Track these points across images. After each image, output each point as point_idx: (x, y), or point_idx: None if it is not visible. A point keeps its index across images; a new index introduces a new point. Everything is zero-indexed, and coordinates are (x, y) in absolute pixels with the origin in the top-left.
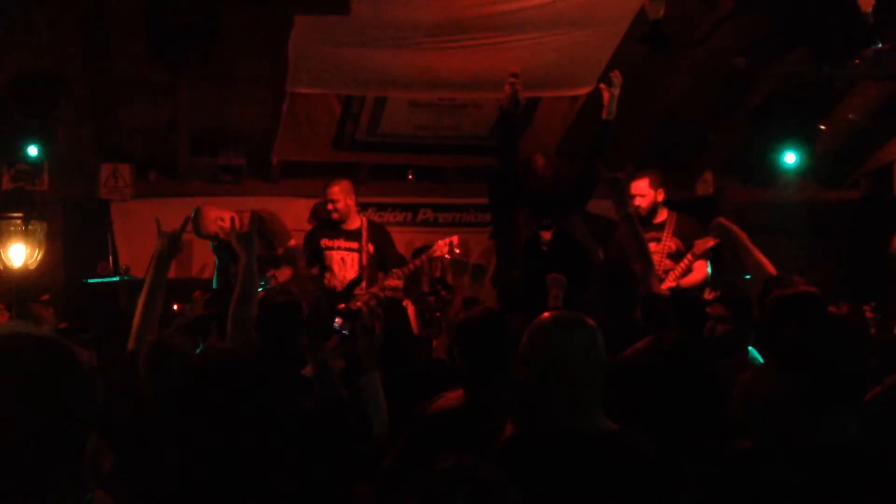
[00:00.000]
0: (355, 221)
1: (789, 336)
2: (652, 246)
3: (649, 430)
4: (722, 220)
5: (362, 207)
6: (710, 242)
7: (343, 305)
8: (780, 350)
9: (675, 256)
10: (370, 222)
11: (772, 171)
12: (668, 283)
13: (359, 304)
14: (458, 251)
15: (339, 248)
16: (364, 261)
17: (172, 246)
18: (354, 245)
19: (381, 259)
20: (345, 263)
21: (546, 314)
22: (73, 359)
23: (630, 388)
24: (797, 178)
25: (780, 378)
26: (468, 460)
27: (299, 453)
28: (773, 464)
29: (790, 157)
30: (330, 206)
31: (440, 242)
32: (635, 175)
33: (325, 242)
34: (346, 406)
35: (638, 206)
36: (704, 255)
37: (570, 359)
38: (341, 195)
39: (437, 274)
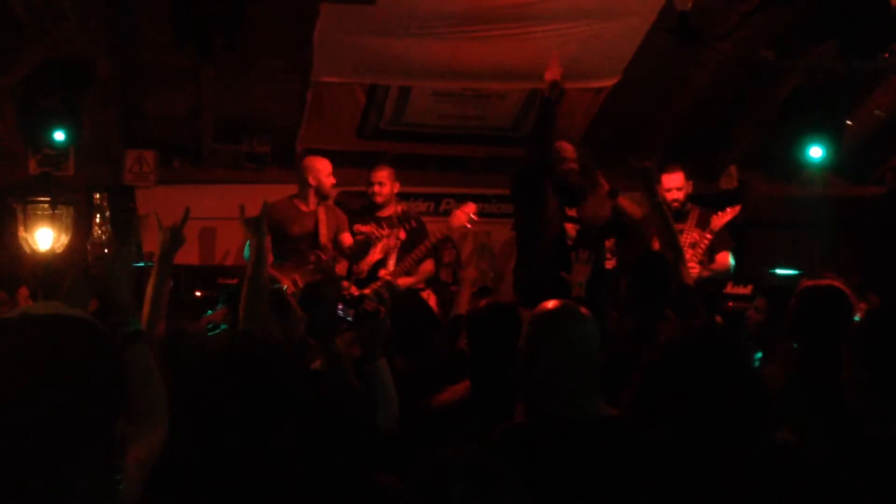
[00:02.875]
0: (391, 209)
1: (866, 327)
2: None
3: (691, 421)
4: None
5: None
6: (725, 218)
7: (346, 292)
8: (856, 341)
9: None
10: (405, 211)
11: (797, 165)
12: (693, 268)
13: (366, 290)
14: (476, 219)
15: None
16: (391, 243)
17: (174, 240)
18: (387, 232)
19: (413, 246)
20: (375, 249)
21: (542, 305)
22: (105, 339)
23: (668, 379)
24: (822, 172)
25: (853, 369)
26: (468, 450)
27: (314, 443)
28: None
29: (816, 152)
30: (376, 189)
31: (458, 212)
32: (669, 168)
33: (357, 227)
34: (360, 396)
35: (675, 199)
36: (723, 238)
37: (559, 349)
38: (388, 180)
39: (452, 259)
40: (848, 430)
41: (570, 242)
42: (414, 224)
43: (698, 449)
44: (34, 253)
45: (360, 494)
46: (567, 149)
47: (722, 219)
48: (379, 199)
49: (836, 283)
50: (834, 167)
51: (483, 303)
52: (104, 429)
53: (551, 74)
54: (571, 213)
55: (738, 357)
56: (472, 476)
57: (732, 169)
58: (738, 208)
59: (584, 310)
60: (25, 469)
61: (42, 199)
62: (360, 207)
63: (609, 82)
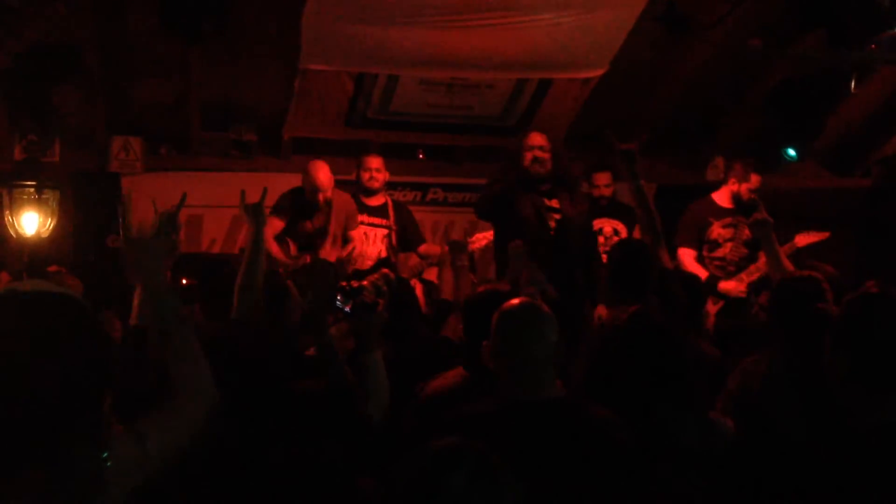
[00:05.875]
0: (380, 198)
1: (846, 316)
2: (730, 232)
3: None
4: (763, 216)
5: None
6: (810, 239)
7: (345, 283)
8: (837, 330)
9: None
10: (395, 201)
11: (783, 157)
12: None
13: (364, 282)
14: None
15: (361, 223)
16: (394, 240)
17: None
18: (378, 221)
19: (405, 238)
20: (367, 238)
21: (509, 302)
22: (93, 317)
23: (596, 359)
24: (808, 165)
25: (834, 357)
26: (466, 440)
27: (303, 437)
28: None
29: (791, 151)
30: (374, 174)
31: (479, 236)
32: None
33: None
34: (353, 388)
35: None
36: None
37: (518, 344)
38: (382, 167)
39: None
40: (830, 420)
41: (551, 233)
42: (406, 216)
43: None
44: (19, 237)
45: (343, 493)
46: (535, 138)
47: (806, 239)
48: (375, 185)
49: (814, 274)
50: (820, 159)
51: (480, 289)
52: (89, 404)
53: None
54: (552, 203)
55: (666, 341)
56: (471, 466)
57: (719, 160)
58: (826, 234)
59: (544, 306)
60: (9, 442)
61: (28, 183)
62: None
63: (597, 72)
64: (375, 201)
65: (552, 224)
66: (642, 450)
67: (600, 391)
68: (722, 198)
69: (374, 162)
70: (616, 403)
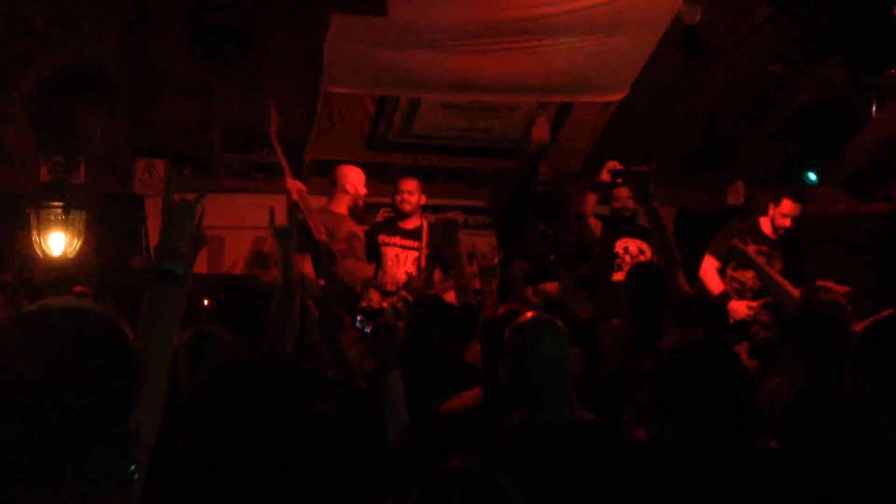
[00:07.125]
0: (415, 221)
1: (866, 340)
2: (762, 260)
3: (682, 425)
4: (736, 242)
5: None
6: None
7: (365, 304)
8: (857, 354)
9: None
10: (430, 224)
11: (804, 182)
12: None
13: (384, 303)
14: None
15: (394, 245)
16: (423, 262)
17: (196, 241)
18: (410, 244)
19: (441, 261)
20: (398, 260)
21: (520, 317)
22: (124, 332)
23: (664, 384)
24: (829, 189)
25: (855, 381)
26: (470, 461)
27: (318, 458)
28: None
29: (812, 175)
30: (405, 197)
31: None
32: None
33: (382, 238)
34: (366, 400)
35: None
36: None
37: (533, 358)
38: (416, 190)
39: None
40: (855, 443)
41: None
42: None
43: (691, 451)
44: (46, 257)
45: None
46: (540, 171)
47: (842, 288)
48: (407, 208)
49: (838, 298)
50: (841, 184)
51: (501, 310)
52: (119, 417)
53: (539, 133)
54: (550, 232)
55: (732, 367)
56: (472, 488)
57: (739, 184)
58: (846, 289)
59: (558, 321)
60: (43, 454)
61: (55, 203)
62: (386, 218)
63: (617, 96)
64: (410, 224)
65: (550, 258)
66: (677, 472)
67: (665, 416)
68: (766, 225)
69: (408, 184)
70: (680, 429)
